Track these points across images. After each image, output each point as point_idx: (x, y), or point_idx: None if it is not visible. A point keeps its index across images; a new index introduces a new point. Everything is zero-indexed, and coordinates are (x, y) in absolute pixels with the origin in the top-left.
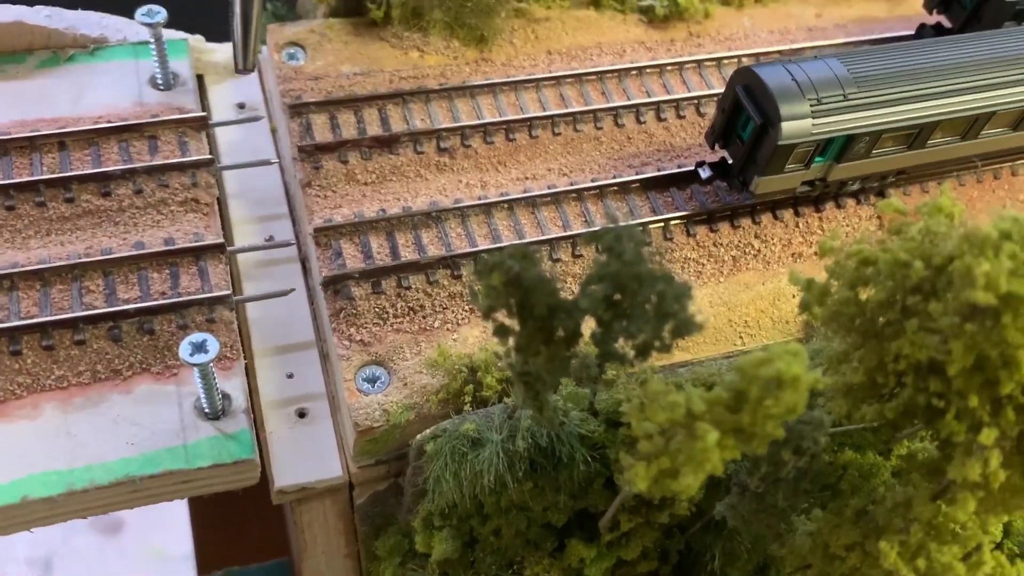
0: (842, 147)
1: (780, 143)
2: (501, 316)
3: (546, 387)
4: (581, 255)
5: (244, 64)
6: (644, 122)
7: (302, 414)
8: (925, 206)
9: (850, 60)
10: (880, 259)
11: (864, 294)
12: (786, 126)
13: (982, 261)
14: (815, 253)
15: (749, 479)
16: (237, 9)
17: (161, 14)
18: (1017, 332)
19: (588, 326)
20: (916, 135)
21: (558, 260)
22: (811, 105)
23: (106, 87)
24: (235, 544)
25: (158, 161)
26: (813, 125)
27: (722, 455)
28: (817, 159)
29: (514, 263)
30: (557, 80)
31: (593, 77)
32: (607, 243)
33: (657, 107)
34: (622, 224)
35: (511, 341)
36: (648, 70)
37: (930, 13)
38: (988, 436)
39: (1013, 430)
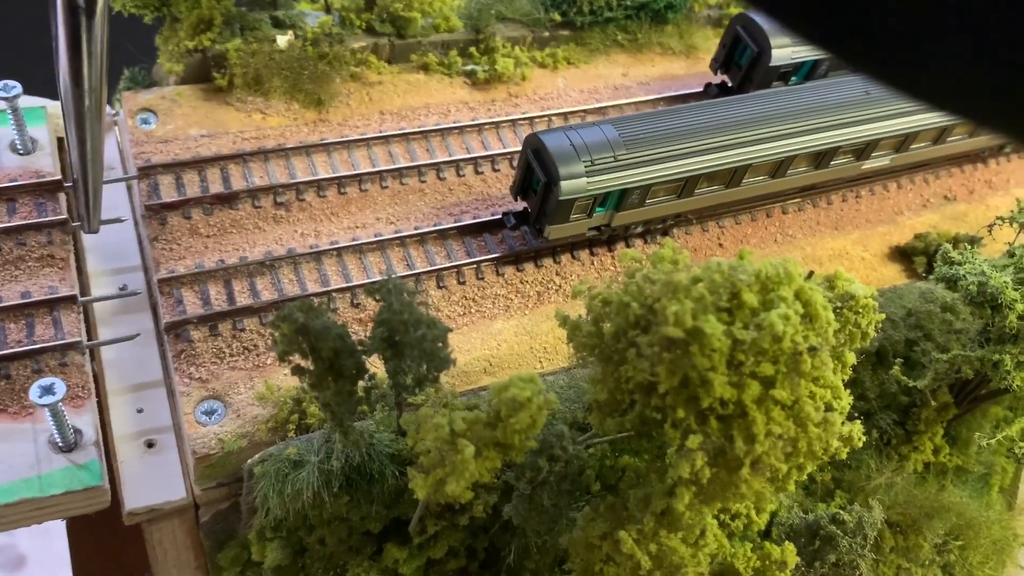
0: (619, 199)
1: (561, 198)
2: (298, 359)
3: (345, 415)
4: None
5: (90, 228)
6: (464, 175)
7: (151, 444)
8: (653, 255)
9: (621, 125)
10: (613, 300)
11: (605, 328)
12: (564, 184)
13: (673, 303)
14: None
15: (519, 483)
16: (79, 185)
17: (16, 88)
18: (704, 358)
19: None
20: (683, 186)
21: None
22: (585, 166)
23: None
24: (106, 566)
25: (16, 222)
26: (588, 183)
27: (483, 464)
28: (598, 209)
29: (300, 314)
30: (387, 139)
31: (419, 136)
32: (381, 295)
33: (475, 162)
34: (394, 278)
35: (306, 379)
36: (468, 129)
37: (715, 73)
38: (694, 441)
39: (716, 436)
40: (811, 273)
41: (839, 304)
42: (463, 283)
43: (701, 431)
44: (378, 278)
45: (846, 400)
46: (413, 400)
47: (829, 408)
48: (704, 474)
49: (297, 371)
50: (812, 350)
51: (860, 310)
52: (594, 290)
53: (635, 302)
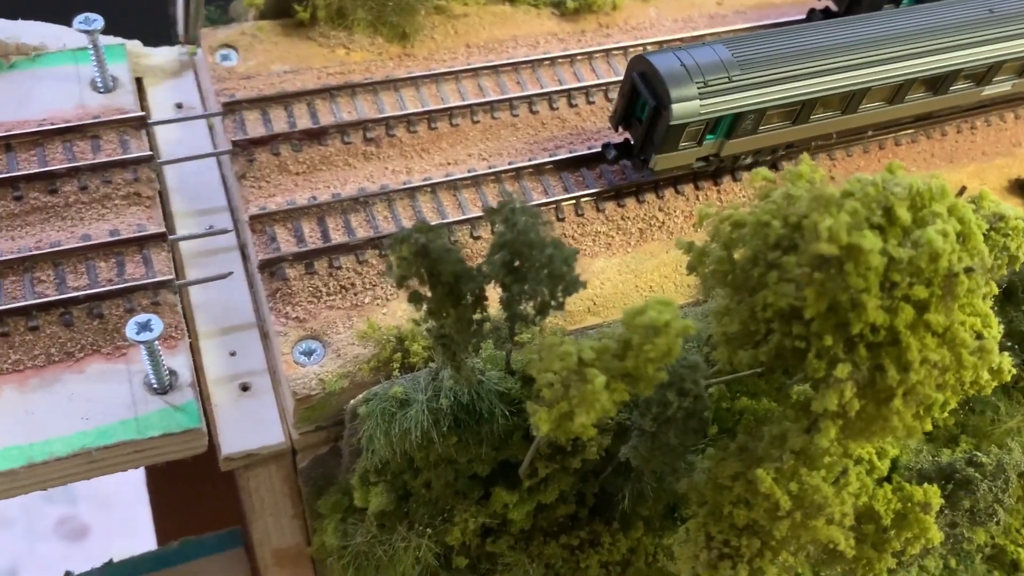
0: (730, 125)
1: (672, 123)
2: (414, 284)
3: (460, 347)
4: None
5: (188, 36)
6: (557, 108)
7: (245, 388)
8: (788, 172)
9: (735, 45)
10: (748, 221)
11: (737, 254)
12: (676, 107)
13: (826, 217)
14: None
15: (643, 420)
16: None
17: (98, 21)
18: (858, 278)
19: (498, 295)
20: (798, 111)
21: (478, 238)
22: (699, 87)
23: (49, 91)
24: (191, 516)
25: (101, 159)
26: (701, 105)
27: (612, 397)
28: (708, 136)
29: (420, 235)
30: (475, 72)
31: (509, 68)
32: (503, 215)
33: (568, 94)
34: (516, 197)
35: (424, 307)
36: (560, 60)
37: None
38: (843, 370)
39: (865, 365)
40: (963, 189)
41: (987, 227)
42: (562, 220)
43: (849, 360)
44: (474, 214)
45: (996, 329)
46: (520, 339)
47: (980, 337)
48: (852, 406)
49: (414, 298)
50: (968, 271)
51: (1010, 232)
52: (723, 212)
53: (776, 220)
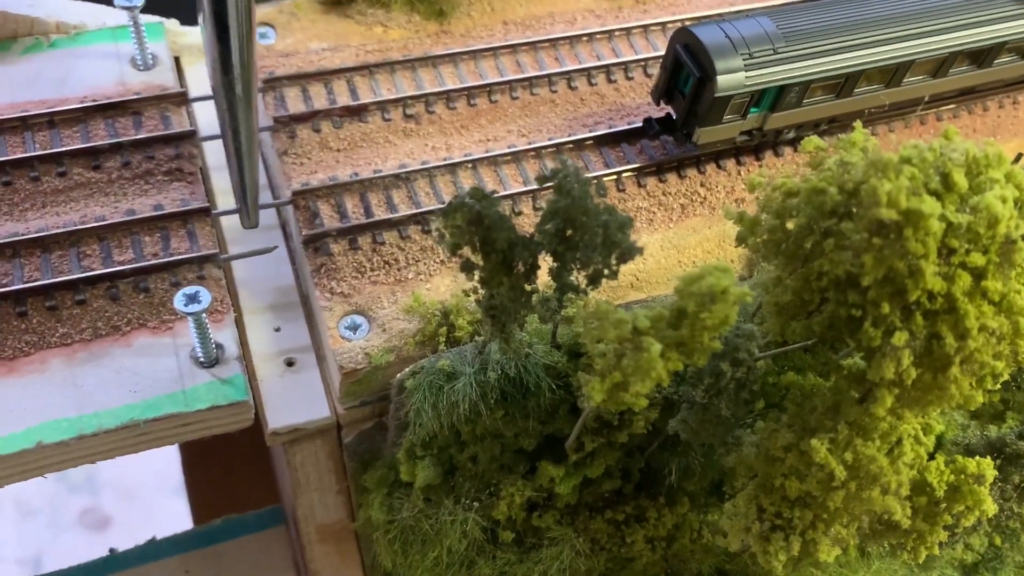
0: (775, 97)
1: (717, 95)
2: (466, 253)
3: (511, 318)
4: (541, 208)
5: (250, 223)
6: (596, 84)
7: (290, 363)
8: (841, 140)
9: (779, 17)
10: (801, 189)
11: (789, 224)
12: (721, 79)
13: (885, 182)
14: (756, 198)
15: (694, 392)
16: (234, 178)
17: None
18: (918, 244)
19: (547, 266)
20: (843, 84)
21: (520, 213)
22: (744, 59)
23: (89, 69)
24: (227, 494)
25: (143, 135)
26: (746, 77)
27: (666, 366)
28: (752, 110)
29: (475, 202)
30: (513, 48)
31: (547, 44)
32: (557, 182)
33: (607, 70)
34: (570, 165)
35: (476, 276)
36: (598, 36)
37: None
38: (900, 338)
39: (922, 333)
40: (1020, 156)
41: None
42: (603, 195)
43: (906, 328)
44: (515, 189)
45: None
46: (566, 313)
47: None
48: (909, 374)
49: (467, 267)
50: None
51: None
52: (775, 181)
53: (832, 187)
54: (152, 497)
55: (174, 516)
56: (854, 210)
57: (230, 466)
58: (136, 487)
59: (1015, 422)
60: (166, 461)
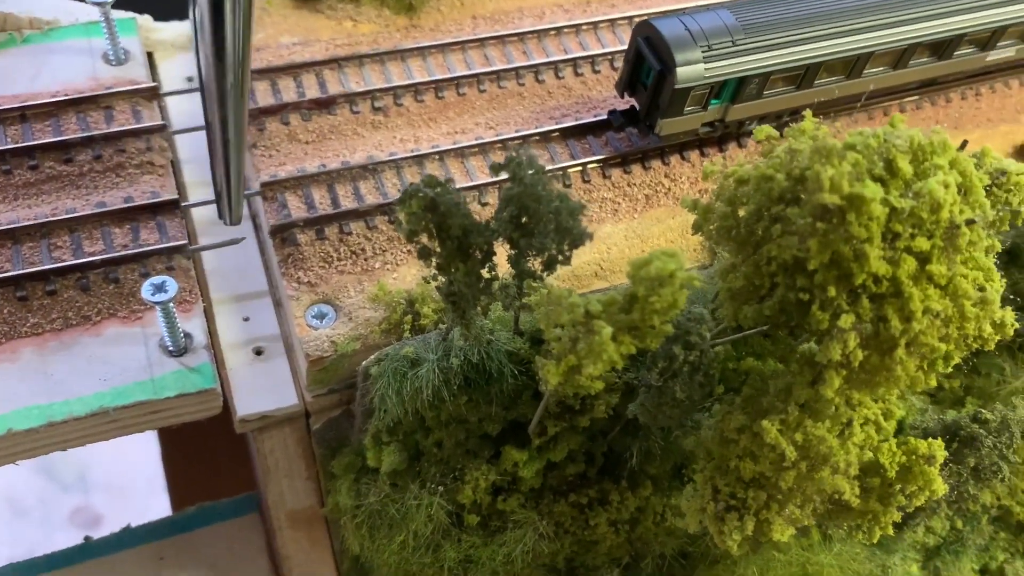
0: (735, 89)
1: (677, 87)
2: (424, 240)
3: (470, 304)
4: None
5: (232, 219)
6: (563, 77)
7: (259, 352)
8: (791, 129)
9: (740, 10)
10: (751, 177)
11: (741, 211)
12: (681, 71)
13: (828, 168)
14: (710, 187)
15: (650, 375)
16: (218, 172)
17: None
18: (861, 228)
19: (507, 253)
20: (803, 76)
21: (486, 204)
22: (703, 51)
23: (62, 64)
24: (205, 482)
25: (114, 129)
26: (705, 69)
27: (619, 349)
28: (713, 101)
29: (429, 190)
30: (482, 42)
31: (515, 38)
32: (510, 170)
33: (574, 63)
34: (523, 153)
35: (434, 262)
36: (566, 30)
37: None
38: (846, 320)
39: (869, 316)
40: (964, 143)
41: (989, 182)
42: (569, 186)
43: (852, 311)
44: (481, 180)
45: (998, 283)
46: (528, 300)
47: (982, 290)
48: (856, 356)
49: (423, 253)
50: (970, 223)
51: (1012, 188)
52: (727, 169)
53: (779, 174)
54: (143, 496)
55: (165, 514)
56: (801, 196)
57: (209, 455)
58: (127, 486)
59: (974, 407)
60: (157, 460)
